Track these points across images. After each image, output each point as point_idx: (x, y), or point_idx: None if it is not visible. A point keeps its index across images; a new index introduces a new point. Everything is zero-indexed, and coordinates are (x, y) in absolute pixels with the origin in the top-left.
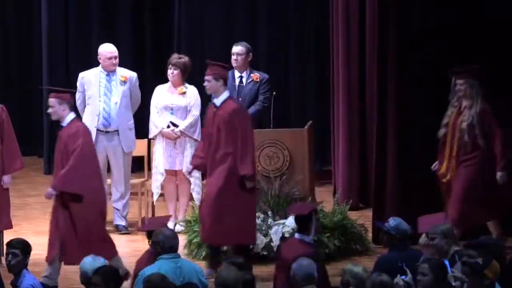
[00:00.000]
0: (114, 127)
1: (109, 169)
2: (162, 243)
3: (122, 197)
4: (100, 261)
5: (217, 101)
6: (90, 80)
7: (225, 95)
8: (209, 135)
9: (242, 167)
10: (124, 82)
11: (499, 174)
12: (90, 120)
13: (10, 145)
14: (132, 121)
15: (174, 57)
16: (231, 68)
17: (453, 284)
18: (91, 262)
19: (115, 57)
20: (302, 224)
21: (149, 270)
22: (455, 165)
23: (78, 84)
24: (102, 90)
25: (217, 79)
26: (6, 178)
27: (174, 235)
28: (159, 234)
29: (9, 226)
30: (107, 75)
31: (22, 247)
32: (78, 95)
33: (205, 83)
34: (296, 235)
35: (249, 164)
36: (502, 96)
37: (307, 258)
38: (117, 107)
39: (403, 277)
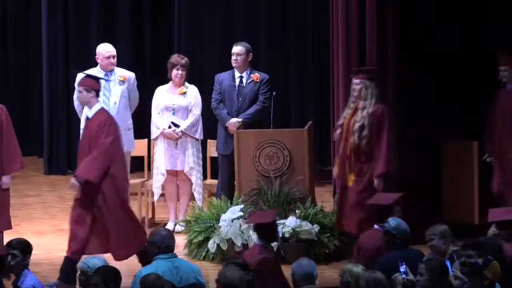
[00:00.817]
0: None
1: None
2: (158, 243)
3: None
4: (100, 261)
5: (90, 112)
6: None
7: (97, 107)
8: (81, 145)
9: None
10: (123, 82)
11: (375, 181)
12: None
13: (10, 145)
14: (130, 121)
15: (178, 58)
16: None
17: (454, 284)
18: (98, 262)
19: (113, 56)
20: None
21: (145, 270)
22: (349, 167)
23: (76, 84)
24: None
25: (88, 91)
26: (5, 179)
27: (170, 235)
28: (155, 235)
29: (8, 226)
30: (105, 75)
31: (22, 248)
32: (75, 96)
33: (77, 95)
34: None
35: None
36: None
37: (307, 258)
38: (116, 107)
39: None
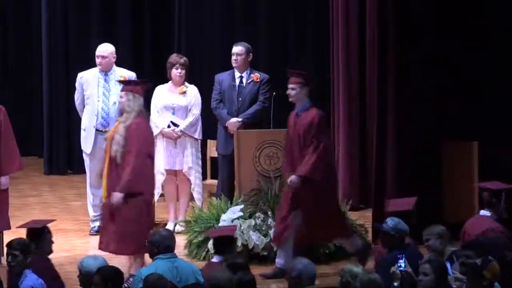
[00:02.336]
0: (113, 127)
1: None
2: (158, 244)
3: None
4: (100, 261)
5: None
6: (88, 80)
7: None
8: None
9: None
10: None
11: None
12: (89, 120)
13: (8, 145)
14: None
15: (177, 57)
16: None
17: (454, 285)
18: (93, 261)
19: (102, 57)
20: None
21: (145, 270)
22: None
23: (77, 84)
24: (100, 90)
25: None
26: (3, 179)
27: (170, 235)
28: (155, 235)
29: (7, 226)
30: (105, 74)
31: (22, 248)
32: (77, 96)
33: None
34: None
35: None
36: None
37: (307, 259)
38: (115, 107)
39: (400, 267)
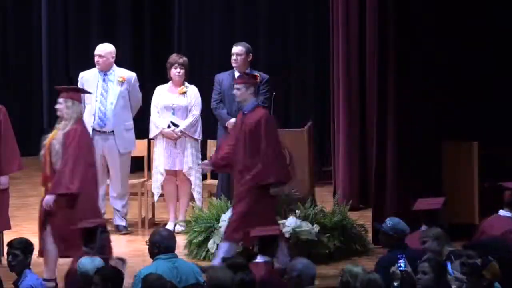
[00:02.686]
0: (110, 128)
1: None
2: (159, 244)
3: (120, 197)
4: (97, 262)
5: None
6: (88, 80)
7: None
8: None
9: None
10: (122, 82)
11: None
12: (88, 119)
13: (9, 145)
14: (130, 122)
15: (177, 57)
16: None
17: (453, 285)
18: (90, 262)
19: (99, 56)
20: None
21: (145, 270)
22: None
23: (78, 84)
24: (99, 90)
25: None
26: (3, 179)
27: (170, 235)
28: (155, 235)
29: (7, 226)
30: (104, 75)
31: (23, 248)
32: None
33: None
34: (260, 258)
35: None
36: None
37: (306, 258)
38: (113, 107)
39: (400, 267)
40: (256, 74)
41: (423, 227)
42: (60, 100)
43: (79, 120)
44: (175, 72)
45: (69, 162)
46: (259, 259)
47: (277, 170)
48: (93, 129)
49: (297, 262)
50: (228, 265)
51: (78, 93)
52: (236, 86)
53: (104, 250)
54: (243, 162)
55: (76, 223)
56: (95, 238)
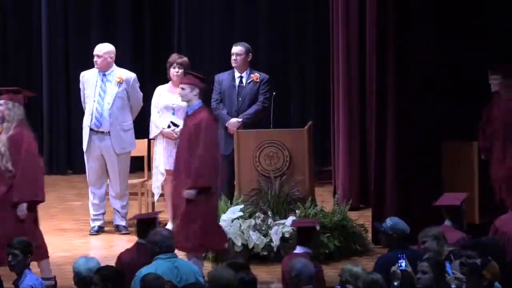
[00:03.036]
0: (106, 128)
1: None
2: (159, 243)
3: (119, 197)
4: (93, 262)
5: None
6: (88, 79)
7: (197, 104)
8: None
9: None
10: (120, 83)
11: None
12: (86, 119)
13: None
14: (128, 122)
15: (176, 56)
16: None
17: (453, 285)
18: (84, 262)
19: (97, 56)
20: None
21: (145, 270)
22: None
23: (80, 83)
24: (97, 90)
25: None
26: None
27: (171, 235)
28: (156, 235)
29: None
30: (103, 75)
31: (23, 247)
32: (81, 94)
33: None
34: (299, 249)
35: None
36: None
37: (305, 258)
38: (109, 108)
39: (400, 267)
40: (257, 74)
41: (446, 222)
42: (1, 101)
43: (22, 122)
44: (174, 72)
45: (29, 170)
46: (298, 250)
47: (211, 175)
48: (90, 129)
49: (296, 262)
50: (228, 265)
51: (18, 95)
52: (181, 85)
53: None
54: (183, 163)
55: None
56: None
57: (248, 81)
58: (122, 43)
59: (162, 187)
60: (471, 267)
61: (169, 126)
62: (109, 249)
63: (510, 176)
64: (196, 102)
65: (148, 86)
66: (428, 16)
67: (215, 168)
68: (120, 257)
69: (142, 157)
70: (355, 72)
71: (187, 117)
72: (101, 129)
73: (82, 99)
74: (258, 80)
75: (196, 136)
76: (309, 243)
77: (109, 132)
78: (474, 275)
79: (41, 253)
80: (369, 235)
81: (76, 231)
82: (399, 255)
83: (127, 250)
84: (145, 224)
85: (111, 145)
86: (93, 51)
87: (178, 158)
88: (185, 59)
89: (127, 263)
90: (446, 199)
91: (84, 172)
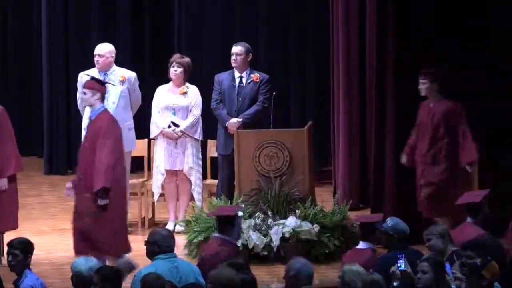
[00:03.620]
0: None
1: None
2: (159, 243)
3: None
4: (93, 261)
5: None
6: None
7: (100, 108)
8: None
9: None
10: (123, 82)
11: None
12: (87, 119)
13: (6, 147)
14: (131, 121)
15: (177, 56)
16: None
17: (453, 285)
18: (84, 262)
19: (99, 55)
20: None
21: (145, 270)
22: None
23: (78, 84)
24: None
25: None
26: (1, 181)
27: (171, 235)
28: (156, 234)
29: (10, 227)
30: (104, 74)
31: (23, 247)
32: (78, 95)
33: (81, 95)
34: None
35: None
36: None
37: (304, 258)
38: (114, 107)
39: (400, 267)
40: (257, 74)
41: (468, 219)
42: None
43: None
44: (173, 71)
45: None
46: (362, 245)
47: (107, 178)
48: None
49: (295, 262)
50: (228, 265)
51: None
52: (83, 90)
53: (239, 236)
54: (84, 168)
55: None
56: (233, 224)
57: (248, 81)
58: (122, 43)
59: (162, 187)
60: (471, 267)
61: (169, 126)
62: None
63: (442, 180)
64: (99, 106)
65: (148, 86)
66: (428, 16)
67: (112, 173)
68: (201, 252)
69: (142, 157)
70: (355, 72)
71: (90, 122)
72: None
73: (79, 100)
74: (258, 80)
75: (98, 140)
76: (372, 238)
77: None
78: (474, 275)
79: None
80: None
81: None
82: (398, 255)
83: (207, 245)
84: (225, 220)
85: None
86: (93, 51)
87: (81, 162)
88: (186, 59)
89: (208, 258)
90: (467, 197)
91: None
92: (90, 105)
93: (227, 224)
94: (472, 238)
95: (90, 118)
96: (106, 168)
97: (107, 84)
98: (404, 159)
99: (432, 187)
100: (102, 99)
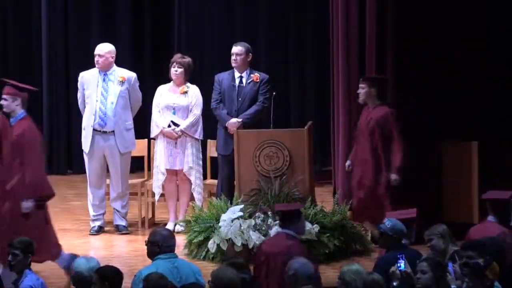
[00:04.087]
0: (110, 127)
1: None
2: (160, 243)
3: (120, 197)
4: (94, 261)
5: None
6: (89, 79)
7: (20, 115)
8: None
9: None
10: (122, 82)
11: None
12: (88, 119)
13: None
14: (130, 121)
15: (178, 56)
16: None
17: (454, 285)
18: (85, 262)
19: (99, 55)
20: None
21: (145, 270)
22: None
23: (78, 84)
24: (99, 90)
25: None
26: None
27: (171, 235)
28: (156, 235)
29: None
30: (104, 74)
31: (23, 247)
32: (79, 95)
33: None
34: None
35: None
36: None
37: (304, 258)
38: (113, 107)
39: (399, 268)
40: (257, 74)
41: (490, 217)
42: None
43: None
44: (173, 71)
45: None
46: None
47: (42, 185)
48: (94, 129)
49: (294, 261)
50: (228, 264)
51: None
52: (3, 96)
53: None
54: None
55: None
56: (297, 220)
57: (248, 81)
58: (122, 43)
59: (163, 186)
60: (474, 267)
61: (169, 126)
62: (109, 249)
63: (374, 185)
64: (19, 112)
65: (148, 86)
66: (428, 16)
67: (44, 179)
68: (261, 247)
69: (142, 157)
70: (355, 72)
71: (11, 128)
72: (105, 129)
73: (79, 99)
74: (258, 80)
75: (21, 147)
76: (408, 234)
77: (113, 131)
78: (477, 276)
79: None
80: (369, 235)
81: (76, 231)
82: (398, 256)
83: (269, 239)
84: (291, 215)
85: (116, 144)
86: (93, 51)
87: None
88: (187, 59)
89: (267, 253)
90: (493, 193)
91: (84, 172)
92: (11, 111)
93: (293, 219)
94: (487, 237)
95: (10, 124)
96: (39, 176)
97: (28, 89)
98: (347, 163)
99: (364, 191)
100: (23, 104)
